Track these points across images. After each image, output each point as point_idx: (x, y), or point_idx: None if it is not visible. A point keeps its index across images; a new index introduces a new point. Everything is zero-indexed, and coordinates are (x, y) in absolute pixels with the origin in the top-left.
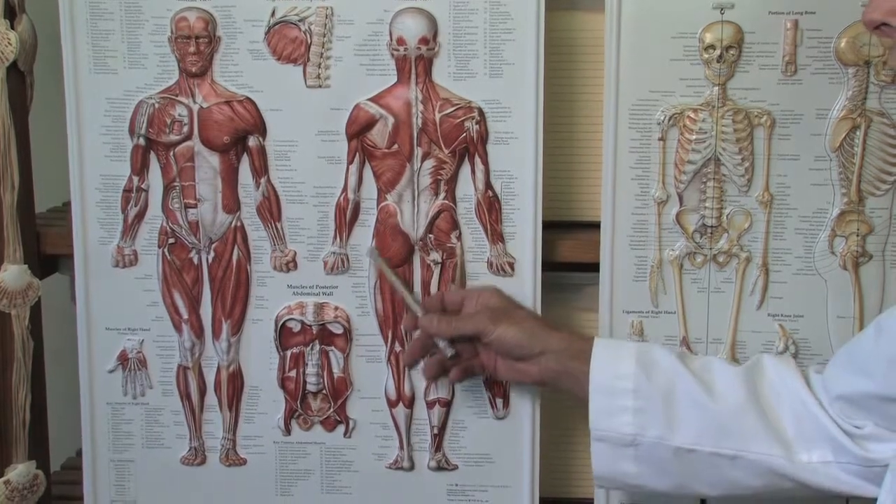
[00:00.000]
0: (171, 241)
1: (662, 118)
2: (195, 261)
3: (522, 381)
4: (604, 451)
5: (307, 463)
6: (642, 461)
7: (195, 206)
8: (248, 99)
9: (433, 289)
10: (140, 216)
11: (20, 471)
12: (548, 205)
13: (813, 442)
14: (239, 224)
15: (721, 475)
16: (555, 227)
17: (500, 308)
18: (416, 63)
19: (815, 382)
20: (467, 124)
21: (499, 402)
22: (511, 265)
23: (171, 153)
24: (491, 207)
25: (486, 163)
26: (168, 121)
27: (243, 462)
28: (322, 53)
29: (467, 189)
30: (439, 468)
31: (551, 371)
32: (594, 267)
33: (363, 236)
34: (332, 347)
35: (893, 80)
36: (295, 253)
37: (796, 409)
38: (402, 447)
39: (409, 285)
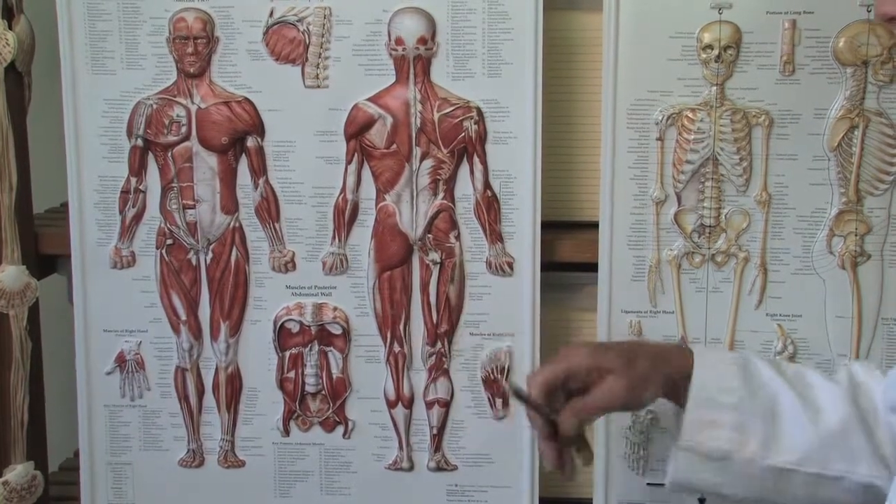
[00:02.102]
0: (169, 242)
1: (660, 118)
2: (193, 262)
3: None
4: (687, 461)
5: (306, 464)
6: (728, 473)
7: (193, 207)
8: (247, 99)
9: (432, 289)
10: (138, 217)
11: (18, 471)
12: (546, 204)
13: None
14: (237, 225)
15: (814, 493)
16: (553, 227)
17: (621, 370)
18: (415, 63)
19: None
20: (466, 124)
21: (498, 402)
22: (510, 265)
23: (170, 154)
24: (490, 207)
25: (484, 162)
26: (166, 121)
27: (242, 464)
28: (320, 54)
29: (466, 189)
30: (439, 469)
31: (662, 394)
32: (593, 267)
33: (362, 236)
34: (331, 348)
35: (891, 79)
36: (293, 253)
37: (891, 425)
38: (401, 448)
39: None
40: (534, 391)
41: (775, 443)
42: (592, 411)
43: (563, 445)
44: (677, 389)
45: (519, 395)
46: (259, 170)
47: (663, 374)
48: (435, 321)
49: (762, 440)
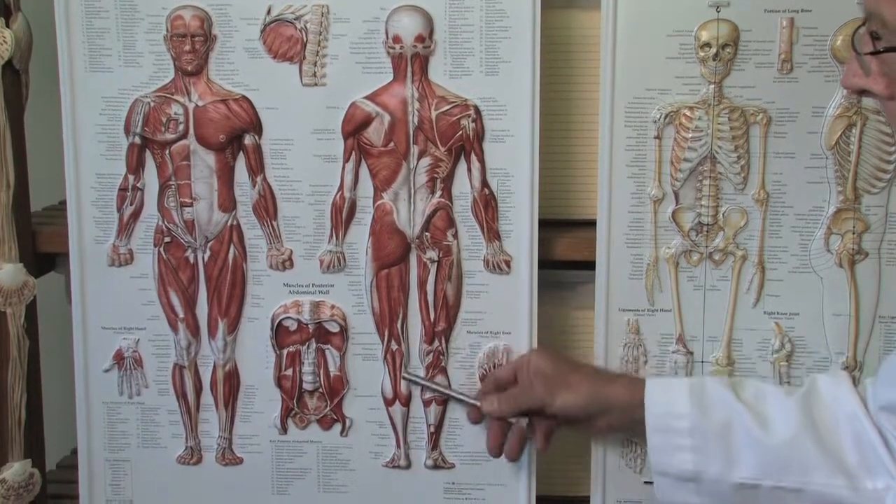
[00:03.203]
0: (167, 239)
1: (658, 116)
2: (191, 259)
3: (597, 434)
4: (666, 484)
5: (303, 462)
6: (704, 494)
7: (191, 205)
8: (244, 97)
9: (430, 287)
10: (136, 215)
11: (16, 469)
12: (544, 203)
13: (875, 467)
14: (235, 223)
15: None
16: (551, 225)
17: (552, 375)
18: (412, 61)
19: (868, 396)
20: (463, 122)
21: None
22: (507, 263)
23: (167, 152)
24: (487, 205)
25: (482, 161)
26: (164, 119)
27: (239, 461)
28: (318, 51)
29: (463, 187)
30: (436, 466)
31: (618, 425)
32: (590, 265)
33: (359, 235)
34: (329, 346)
35: None
36: (291, 251)
37: (857, 433)
38: (398, 445)
39: (452, 389)
40: (485, 383)
41: (733, 460)
42: (510, 400)
43: (499, 430)
44: (633, 419)
45: (415, 381)
46: (256, 168)
47: (591, 388)
48: (432, 319)
49: (722, 458)
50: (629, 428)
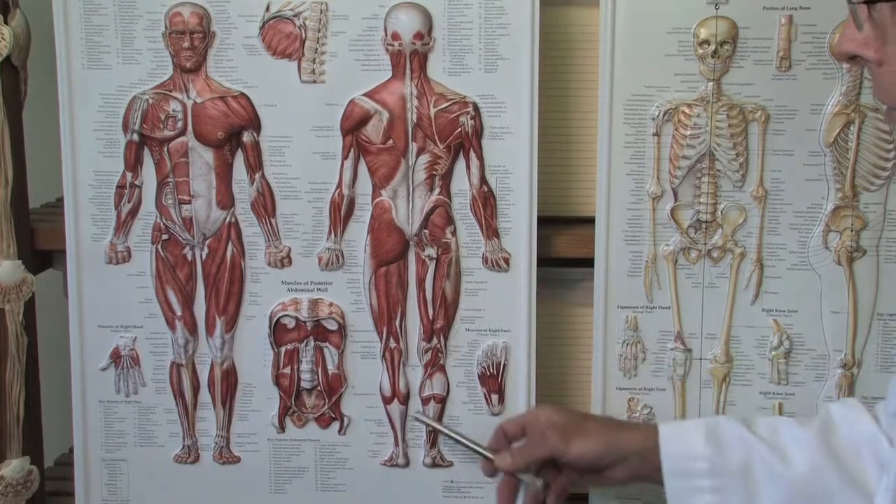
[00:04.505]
0: (165, 237)
1: (657, 113)
2: (189, 257)
3: (614, 485)
4: None
5: (301, 460)
6: None
7: (189, 202)
8: (243, 94)
9: (429, 284)
10: (133, 212)
11: (14, 466)
12: (542, 200)
13: None
14: (233, 220)
15: None
16: (550, 223)
17: (566, 424)
18: (411, 58)
19: (879, 412)
20: (462, 119)
21: (494, 398)
22: (506, 260)
23: (165, 149)
24: (486, 202)
25: (480, 158)
26: (162, 116)
27: (237, 460)
28: (317, 49)
29: (462, 184)
30: (434, 465)
31: (635, 472)
32: (589, 262)
33: (358, 232)
34: (327, 344)
35: None
36: (289, 249)
37: (877, 455)
38: (397, 444)
39: (465, 436)
40: (493, 438)
41: (754, 496)
42: (523, 453)
43: (510, 490)
44: (652, 465)
45: (427, 424)
46: (255, 165)
47: (606, 435)
48: (431, 317)
49: (743, 496)
50: (646, 475)
